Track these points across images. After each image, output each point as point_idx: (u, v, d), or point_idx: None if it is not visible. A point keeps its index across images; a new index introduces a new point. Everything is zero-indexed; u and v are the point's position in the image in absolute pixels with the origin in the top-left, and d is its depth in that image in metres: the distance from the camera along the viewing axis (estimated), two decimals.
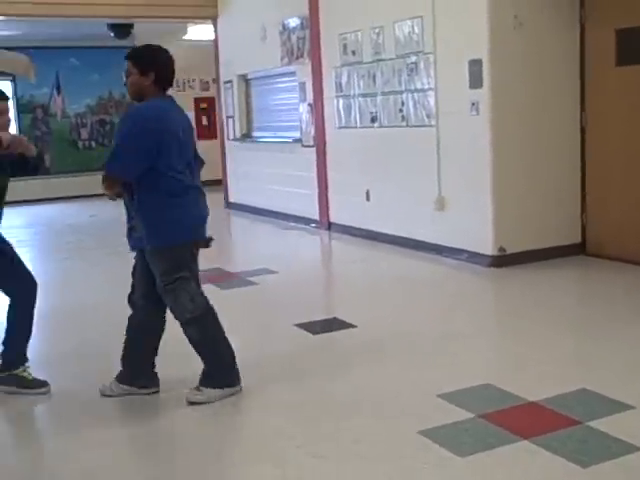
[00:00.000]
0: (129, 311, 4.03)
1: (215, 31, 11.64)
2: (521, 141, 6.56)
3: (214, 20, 11.53)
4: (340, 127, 8.64)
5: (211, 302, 3.93)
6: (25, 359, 4.14)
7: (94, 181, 14.52)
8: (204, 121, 15.25)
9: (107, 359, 4.15)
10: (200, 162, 4.04)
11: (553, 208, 6.73)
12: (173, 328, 4.96)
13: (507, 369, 4.24)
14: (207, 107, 15.02)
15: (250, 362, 4.53)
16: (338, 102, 8.59)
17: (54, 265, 8.02)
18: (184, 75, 15.08)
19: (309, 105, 9.27)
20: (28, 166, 4.01)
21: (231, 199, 11.87)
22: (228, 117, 11.65)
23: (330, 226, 9.05)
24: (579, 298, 5.99)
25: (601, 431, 3.27)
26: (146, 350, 4.02)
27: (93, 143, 14.72)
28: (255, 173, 10.85)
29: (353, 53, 8.21)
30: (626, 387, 3.76)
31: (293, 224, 9.73)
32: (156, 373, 4.04)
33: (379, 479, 3.02)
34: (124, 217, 3.95)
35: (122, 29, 12.28)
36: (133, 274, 4.00)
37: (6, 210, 4.14)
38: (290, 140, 9.86)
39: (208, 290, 6.37)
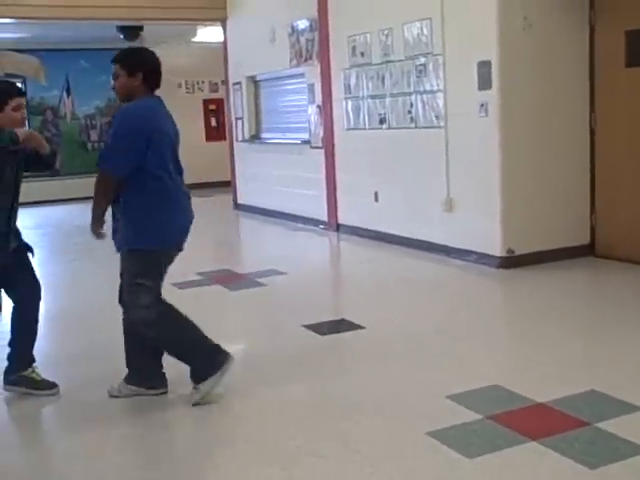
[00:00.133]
0: None
1: (224, 33, 11.67)
2: (530, 142, 6.55)
3: (223, 22, 11.56)
4: (349, 129, 8.65)
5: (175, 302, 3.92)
6: (32, 359, 4.16)
7: None
8: (213, 123, 15.30)
9: (115, 360, 4.16)
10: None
11: (562, 209, 6.72)
12: None
13: (515, 370, 4.23)
14: (216, 109, 15.06)
15: (258, 363, 4.56)
16: (347, 104, 8.60)
17: (62, 266, 8.07)
18: (193, 77, 15.16)
19: (318, 107, 9.28)
20: (41, 162, 4.04)
21: (240, 200, 11.89)
22: (237, 119, 11.67)
23: (339, 227, 9.05)
24: (588, 300, 5.97)
25: (609, 432, 3.26)
26: (147, 350, 4.01)
27: (102, 145, 14.77)
28: (264, 174, 10.87)
29: (362, 55, 8.22)
30: (635, 388, 3.75)
31: (302, 225, 9.74)
32: (164, 374, 4.05)
33: None
34: None
35: (132, 31, 12.33)
36: (121, 275, 3.97)
37: None
38: (299, 141, 9.87)
39: (217, 291, 6.51)
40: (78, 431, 3.66)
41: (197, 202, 14.50)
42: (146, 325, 3.79)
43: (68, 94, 14.34)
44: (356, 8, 8.29)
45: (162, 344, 3.91)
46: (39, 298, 4.15)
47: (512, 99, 6.43)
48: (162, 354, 4.04)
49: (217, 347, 3.92)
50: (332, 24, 8.77)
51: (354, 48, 8.34)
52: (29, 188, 4.12)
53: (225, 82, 12.17)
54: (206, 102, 15.32)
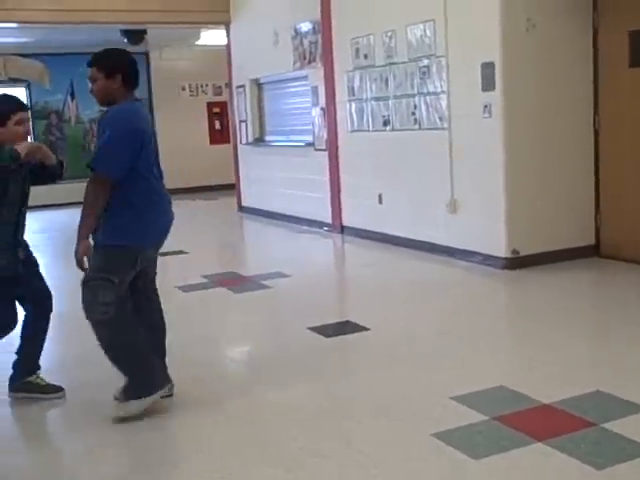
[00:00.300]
0: None
1: (228, 36, 11.69)
2: (534, 143, 6.55)
3: (227, 25, 11.58)
4: (352, 131, 8.65)
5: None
6: (37, 367, 4.17)
7: None
8: (217, 125, 15.32)
9: None
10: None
11: (567, 210, 6.71)
12: (182, 331, 4.99)
13: (521, 371, 4.22)
14: (220, 111, 15.08)
15: (263, 365, 4.56)
16: (350, 106, 8.60)
17: (67, 270, 8.05)
18: (197, 80, 15.18)
19: (321, 109, 9.28)
20: (48, 173, 4.03)
21: (244, 203, 11.90)
22: (241, 121, 11.69)
23: (343, 229, 9.06)
24: (593, 300, 5.97)
25: (615, 433, 3.26)
26: (153, 350, 3.98)
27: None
28: (268, 177, 10.88)
29: (365, 57, 8.22)
30: None
31: (306, 228, 9.74)
32: (168, 375, 4.05)
33: None
34: None
35: (135, 35, 12.35)
36: None
37: None
38: (303, 144, 9.88)
39: (221, 294, 6.52)
40: (83, 434, 3.66)
41: (202, 205, 14.64)
42: (101, 324, 3.69)
43: (72, 98, 14.37)
44: (359, 10, 8.30)
45: (110, 347, 3.76)
46: (50, 309, 4.16)
47: (516, 100, 6.43)
48: (164, 355, 4.04)
49: (159, 369, 3.83)
50: (335, 26, 8.79)
51: (357, 50, 8.34)
52: (34, 192, 4.10)
53: (229, 85, 12.19)
54: (210, 105, 15.34)
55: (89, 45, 13.47)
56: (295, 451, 3.32)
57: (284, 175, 10.41)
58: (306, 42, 9.47)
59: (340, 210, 9.10)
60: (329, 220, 9.31)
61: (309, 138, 9.69)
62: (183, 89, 15.14)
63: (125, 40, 12.43)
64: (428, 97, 7.28)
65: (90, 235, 3.71)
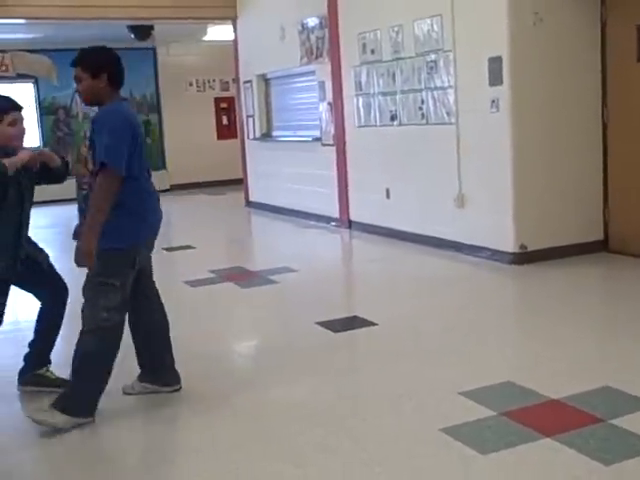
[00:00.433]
0: None
1: (235, 31, 11.69)
2: (542, 137, 6.53)
3: (234, 21, 11.57)
4: (360, 126, 8.64)
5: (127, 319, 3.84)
6: (48, 361, 4.19)
7: None
8: (224, 121, 15.32)
9: (129, 358, 4.17)
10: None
11: (575, 204, 6.69)
12: (189, 326, 5.00)
13: (529, 367, 4.22)
14: (227, 107, 15.08)
15: (272, 360, 4.57)
16: (358, 101, 8.59)
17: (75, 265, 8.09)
18: (204, 75, 15.18)
19: (329, 104, 9.28)
20: (53, 175, 4.02)
21: (251, 198, 11.91)
22: (248, 116, 11.69)
23: (350, 224, 9.05)
24: (602, 295, 5.96)
25: (624, 429, 3.25)
26: (156, 347, 4.02)
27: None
28: (275, 172, 10.88)
29: (372, 52, 8.21)
30: None
31: (313, 223, 9.74)
32: (176, 370, 4.06)
33: (402, 477, 3.02)
34: None
35: (142, 31, 12.36)
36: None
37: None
38: (310, 139, 9.87)
39: (229, 289, 6.53)
40: (89, 429, 3.67)
41: (209, 200, 14.67)
42: (97, 331, 3.63)
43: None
44: (366, 5, 8.29)
45: (89, 358, 3.66)
46: (63, 304, 4.15)
47: (523, 95, 6.41)
48: (170, 350, 4.04)
49: (98, 399, 3.72)
50: (342, 21, 8.77)
51: (364, 45, 8.33)
52: (42, 188, 4.11)
53: (236, 80, 12.19)
54: (217, 100, 15.35)
55: (96, 41, 13.49)
56: (302, 447, 3.33)
57: (291, 170, 10.41)
58: (313, 37, 9.46)
59: (347, 205, 9.10)
60: (336, 215, 9.31)
61: (316, 133, 9.68)
62: (190, 84, 15.15)
63: (132, 36, 12.46)
64: (435, 92, 7.26)
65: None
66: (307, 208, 10.02)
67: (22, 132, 4.01)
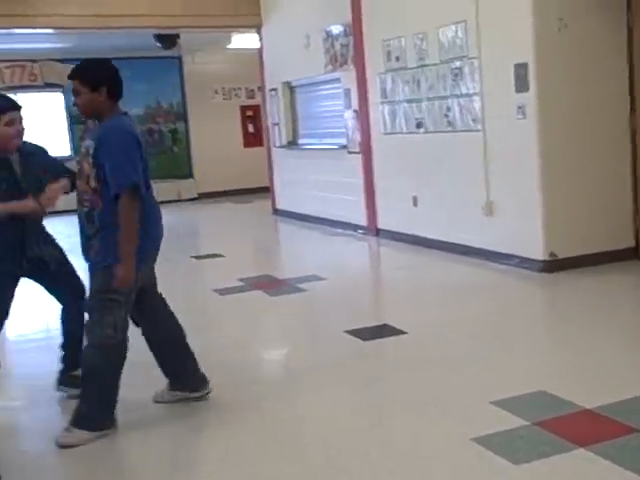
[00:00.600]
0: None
1: (260, 39, 11.75)
2: (570, 144, 6.49)
3: (258, 29, 11.63)
4: (386, 133, 8.65)
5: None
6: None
7: None
8: (250, 129, 15.39)
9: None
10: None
11: (605, 211, 6.64)
12: (219, 334, 5.02)
13: (561, 376, 4.19)
14: (253, 115, 15.16)
15: (300, 369, 4.59)
16: (383, 108, 8.60)
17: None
18: (230, 84, 15.27)
19: (354, 111, 9.30)
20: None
21: (278, 206, 11.95)
22: (274, 124, 11.74)
23: (378, 232, 9.06)
24: (633, 303, 5.88)
25: None
26: (175, 356, 4.02)
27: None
28: (302, 180, 10.92)
29: (397, 59, 8.22)
30: None
31: (340, 230, 9.76)
32: (202, 374, 4.06)
33: None
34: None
35: (168, 39, 12.46)
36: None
37: (57, 218, 4.22)
38: (336, 147, 9.90)
39: (257, 297, 6.56)
40: (119, 435, 3.72)
41: (236, 208, 14.73)
42: (101, 347, 3.63)
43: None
44: (390, 12, 8.30)
45: (95, 374, 3.66)
46: (81, 300, 4.15)
47: (550, 101, 6.38)
48: (191, 355, 4.05)
49: (114, 408, 3.75)
50: (366, 29, 8.79)
51: (389, 52, 8.34)
52: (70, 196, 4.16)
53: (261, 88, 12.25)
54: (243, 108, 15.43)
55: (123, 50, 13.71)
56: (329, 456, 3.34)
57: (318, 178, 10.44)
58: (337, 45, 9.49)
59: (374, 213, 9.10)
60: (364, 223, 9.31)
61: (342, 141, 9.70)
62: (216, 93, 15.24)
63: (158, 45, 12.57)
64: (461, 99, 7.26)
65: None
66: (334, 216, 10.03)
67: (20, 132, 4.01)
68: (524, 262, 6.63)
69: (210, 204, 14.15)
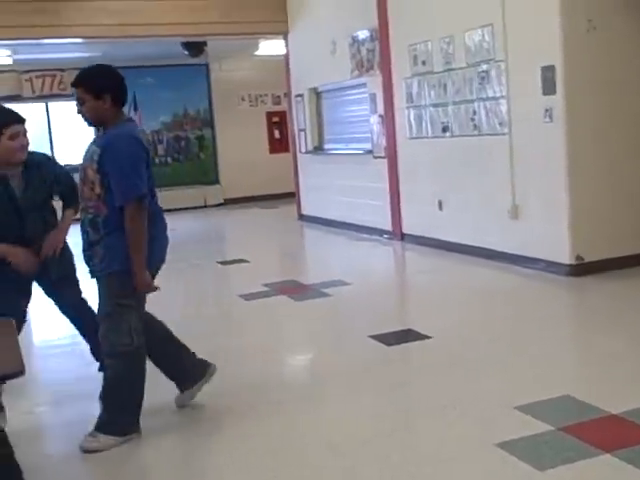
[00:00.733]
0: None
1: (286, 46, 11.79)
2: (597, 147, 6.42)
3: (285, 35, 11.68)
4: (411, 137, 8.62)
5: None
6: None
7: (170, 196, 14.79)
8: (276, 135, 15.45)
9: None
10: None
11: (632, 214, 6.55)
12: (244, 339, 5.02)
13: (586, 381, 4.14)
14: (279, 121, 15.21)
15: (325, 373, 4.58)
16: (409, 113, 8.58)
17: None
18: (256, 90, 15.35)
19: (380, 116, 9.28)
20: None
21: (304, 211, 11.96)
22: (300, 130, 11.76)
23: (403, 237, 9.02)
24: None
25: None
26: (169, 355, 4.01)
27: (169, 159, 15.08)
28: (327, 185, 10.92)
29: (423, 63, 8.19)
30: None
31: (366, 235, 9.74)
32: (200, 360, 4.05)
33: None
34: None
35: (196, 47, 12.56)
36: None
37: None
38: (362, 152, 9.89)
39: (282, 302, 6.56)
40: (145, 439, 3.74)
41: (262, 214, 14.78)
42: (122, 356, 3.63)
43: (135, 110, 14.68)
44: (417, 17, 8.28)
45: (120, 382, 3.66)
46: (80, 303, 4.24)
47: (577, 103, 6.32)
48: (184, 347, 4.03)
49: (139, 414, 3.74)
50: (393, 33, 8.78)
51: (415, 57, 8.32)
52: None
53: (287, 94, 12.29)
54: (269, 115, 15.49)
55: (151, 58, 13.85)
56: (353, 460, 3.33)
57: (343, 183, 10.43)
58: (364, 50, 9.49)
59: (400, 217, 9.07)
60: (389, 227, 9.29)
61: (368, 146, 9.69)
62: (243, 99, 15.32)
63: (186, 52, 12.67)
64: (487, 102, 7.21)
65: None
66: (359, 221, 10.02)
67: (24, 145, 4.00)
68: (550, 266, 6.56)
69: (236, 210, 14.22)
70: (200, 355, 4.11)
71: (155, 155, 14.98)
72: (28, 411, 4.27)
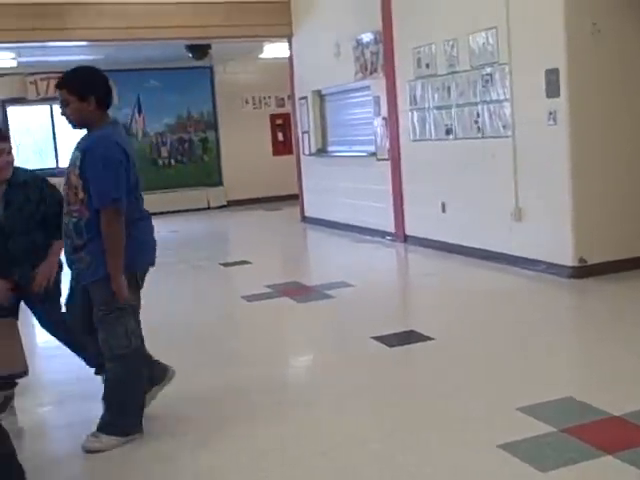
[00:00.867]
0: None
1: (290, 49, 11.81)
2: (601, 150, 6.42)
3: (289, 38, 11.69)
4: (415, 140, 8.63)
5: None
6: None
7: (174, 198, 14.81)
8: (280, 137, 15.46)
9: (186, 378, 4.24)
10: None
11: (636, 217, 6.55)
12: (246, 341, 5.02)
13: (589, 383, 4.14)
14: (283, 123, 15.22)
15: (327, 375, 4.58)
16: (413, 115, 8.59)
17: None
18: (260, 92, 15.37)
19: (383, 119, 9.29)
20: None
21: (307, 213, 11.97)
22: (303, 132, 11.78)
23: (406, 238, 9.03)
24: None
25: None
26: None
27: (172, 161, 15.10)
28: (331, 187, 10.93)
29: (427, 66, 8.20)
30: None
31: (369, 237, 9.74)
32: (162, 364, 4.02)
33: None
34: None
35: (200, 50, 12.58)
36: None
37: None
38: (365, 154, 9.90)
39: (285, 303, 6.57)
40: (147, 438, 3.76)
41: (265, 216, 14.79)
42: (121, 359, 3.63)
43: (139, 113, 14.71)
44: (420, 20, 8.29)
45: (125, 382, 3.67)
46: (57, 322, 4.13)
47: (581, 106, 6.32)
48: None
49: (141, 414, 3.74)
50: (397, 36, 8.79)
51: (419, 60, 8.33)
52: None
53: (291, 97, 12.31)
54: (273, 117, 15.50)
55: (155, 61, 13.88)
56: (356, 461, 3.33)
57: (347, 185, 10.44)
58: (367, 52, 9.50)
59: (403, 219, 9.07)
60: (392, 229, 9.29)
61: (371, 148, 9.70)
62: (247, 102, 15.34)
63: (190, 55, 12.70)
64: (491, 105, 7.21)
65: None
66: (363, 223, 10.03)
67: (9, 163, 3.91)
68: (553, 268, 6.56)
69: (239, 211, 14.22)
70: (203, 356, 4.11)
71: (159, 157, 15.02)
72: (31, 411, 4.28)
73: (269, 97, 15.43)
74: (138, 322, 3.76)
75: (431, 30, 8.07)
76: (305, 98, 11.55)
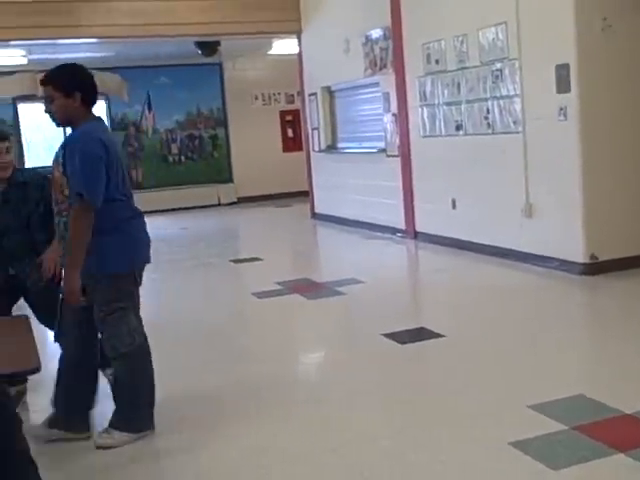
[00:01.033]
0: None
1: (299, 45, 11.80)
2: (612, 145, 6.39)
3: (298, 34, 11.68)
4: (425, 136, 8.61)
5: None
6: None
7: (184, 194, 14.87)
8: (290, 133, 15.46)
9: (194, 375, 4.24)
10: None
11: None
12: (257, 337, 5.02)
13: (600, 380, 4.12)
14: (292, 119, 15.21)
15: (337, 372, 4.58)
16: (422, 111, 8.57)
17: (145, 276, 8.26)
18: (270, 89, 15.37)
19: (393, 115, 9.27)
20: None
21: (317, 210, 11.96)
22: (313, 129, 11.77)
23: (416, 235, 9.01)
24: None
25: None
26: (84, 388, 3.84)
27: (182, 158, 15.12)
28: (340, 184, 10.92)
29: (437, 62, 8.18)
30: None
31: (379, 234, 9.73)
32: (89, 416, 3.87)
33: None
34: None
35: (209, 47, 12.59)
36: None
37: None
38: (375, 150, 9.88)
39: (295, 300, 6.57)
40: (158, 435, 3.76)
41: (275, 212, 14.81)
42: (126, 357, 3.64)
43: (149, 109, 14.74)
44: (430, 15, 8.27)
45: (132, 380, 3.69)
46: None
47: (592, 102, 6.29)
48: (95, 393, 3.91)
49: (152, 410, 3.74)
50: (406, 32, 8.77)
51: (429, 56, 8.31)
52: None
53: (301, 93, 12.29)
54: (282, 113, 15.50)
55: (164, 58, 13.89)
56: (367, 458, 3.33)
57: (357, 182, 10.43)
58: (377, 48, 9.48)
59: (413, 216, 9.06)
60: (402, 226, 9.28)
61: (381, 144, 9.68)
62: (256, 98, 15.34)
63: (199, 52, 12.70)
64: (501, 100, 7.19)
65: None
66: (373, 219, 10.01)
67: (7, 163, 3.90)
68: (564, 265, 6.54)
69: (249, 208, 14.24)
70: (213, 353, 4.12)
71: (169, 154, 15.04)
72: (42, 408, 4.29)
73: (279, 93, 15.42)
74: (139, 319, 3.77)
75: (441, 26, 8.04)
76: (315, 94, 11.53)
